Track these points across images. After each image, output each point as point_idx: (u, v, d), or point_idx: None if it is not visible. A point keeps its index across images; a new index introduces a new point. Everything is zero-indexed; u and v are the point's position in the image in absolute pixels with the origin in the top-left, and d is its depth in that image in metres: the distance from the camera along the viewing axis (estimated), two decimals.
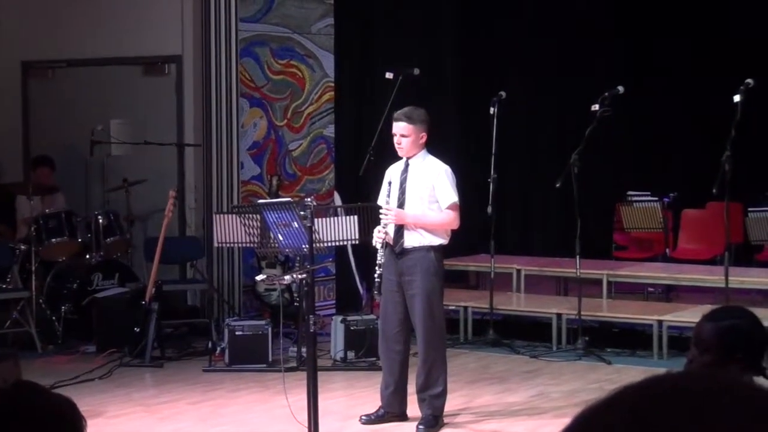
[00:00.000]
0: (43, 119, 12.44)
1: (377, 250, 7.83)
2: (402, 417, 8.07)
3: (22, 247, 10.71)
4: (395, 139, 7.90)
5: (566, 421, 1.21)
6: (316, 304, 10.18)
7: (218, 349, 9.95)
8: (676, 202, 12.37)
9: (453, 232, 7.98)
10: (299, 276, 7.51)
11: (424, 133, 7.89)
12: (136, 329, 9.96)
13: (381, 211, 7.88)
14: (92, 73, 12.15)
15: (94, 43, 11.93)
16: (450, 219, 7.86)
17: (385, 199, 7.90)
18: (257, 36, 11.98)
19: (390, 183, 7.92)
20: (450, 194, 7.84)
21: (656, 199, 12.16)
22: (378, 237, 7.81)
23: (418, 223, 7.83)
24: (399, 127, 7.88)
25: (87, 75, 12.18)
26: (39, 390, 1.62)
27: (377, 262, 7.83)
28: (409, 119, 7.86)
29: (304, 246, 7.54)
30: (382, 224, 7.84)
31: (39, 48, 12.26)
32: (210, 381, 9.48)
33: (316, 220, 7.61)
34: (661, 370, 1.22)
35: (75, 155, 12.07)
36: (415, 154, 7.89)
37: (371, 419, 8.04)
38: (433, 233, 7.84)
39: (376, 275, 7.85)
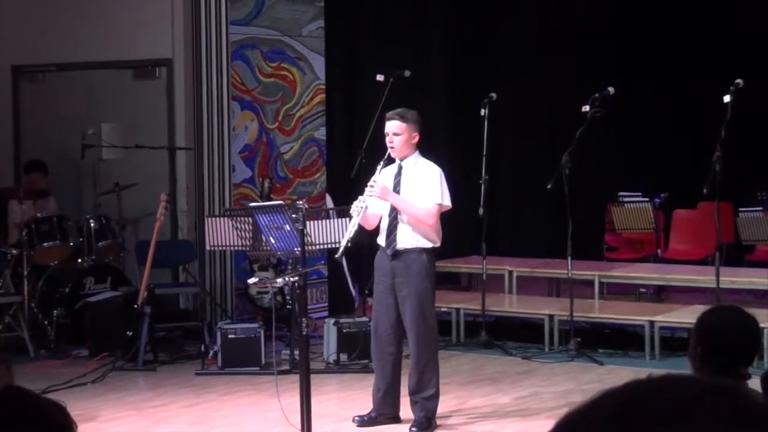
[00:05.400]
0: (34, 123, 12.43)
1: (352, 217, 7.75)
2: (395, 419, 8.06)
3: (14, 251, 10.69)
4: (387, 139, 7.87)
5: None
6: (309, 307, 10.15)
7: (211, 352, 9.95)
8: (667, 202, 12.37)
9: (444, 233, 7.98)
10: (291, 279, 7.52)
11: (416, 134, 7.88)
12: (129, 333, 9.96)
13: (368, 184, 7.81)
14: (83, 77, 12.14)
15: (85, 47, 11.92)
16: (427, 213, 7.77)
17: (374, 177, 7.85)
18: (248, 39, 11.98)
19: (382, 163, 7.86)
20: (435, 195, 7.80)
21: (647, 199, 12.16)
22: (357, 205, 7.73)
23: (398, 206, 7.79)
24: (392, 126, 7.86)
25: (78, 79, 12.17)
26: (28, 395, 1.63)
27: (349, 228, 7.77)
28: (402, 118, 7.85)
29: (296, 249, 7.54)
30: (365, 195, 7.77)
31: (29, 52, 12.24)
32: (203, 384, 9.48)
33: (307, 222, 7.61)
34: (653, 371, 1.22)
35: (66, 159, 12.06)
36: (407, 156, 7.88)
37: (364, 421, 8.04)
38: (426, 236, 7.83)
39: (345, 240, 7.74)
